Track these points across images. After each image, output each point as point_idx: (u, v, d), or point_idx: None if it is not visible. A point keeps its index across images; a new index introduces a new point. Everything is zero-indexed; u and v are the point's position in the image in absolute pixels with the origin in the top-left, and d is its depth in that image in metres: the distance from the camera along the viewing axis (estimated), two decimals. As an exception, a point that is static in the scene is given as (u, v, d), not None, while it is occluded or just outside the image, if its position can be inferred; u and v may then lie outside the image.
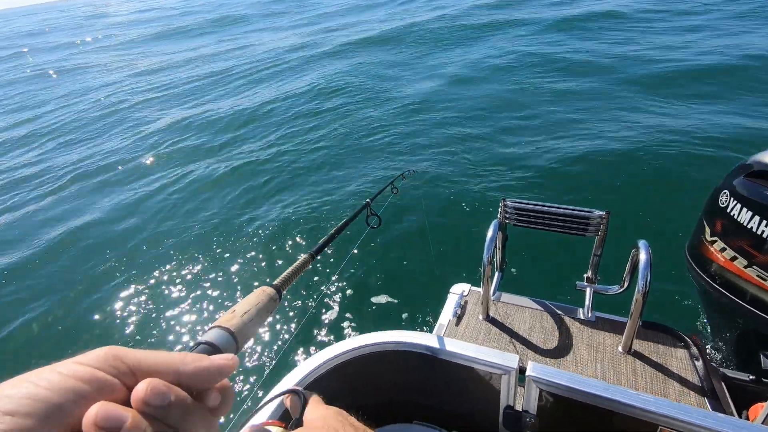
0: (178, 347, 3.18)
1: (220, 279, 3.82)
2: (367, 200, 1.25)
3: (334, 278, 3.55)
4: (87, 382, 0.30)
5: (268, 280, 0.74)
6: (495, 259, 1.77)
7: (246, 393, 2.77)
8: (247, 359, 3.01)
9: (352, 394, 1.26)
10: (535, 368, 1.05)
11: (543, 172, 4.59)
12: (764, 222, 1.49)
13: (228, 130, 7.23)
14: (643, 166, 4.45)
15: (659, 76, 6.64)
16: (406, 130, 6.19)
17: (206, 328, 0.48)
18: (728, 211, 1.64)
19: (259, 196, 5.08)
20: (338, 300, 3.40)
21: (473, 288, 1.76)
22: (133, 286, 3.87)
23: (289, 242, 4.19)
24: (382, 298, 3.39)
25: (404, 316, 3.19)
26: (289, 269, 0.69)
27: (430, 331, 1.47)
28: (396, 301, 3.35)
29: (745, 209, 1.57)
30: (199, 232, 4.53)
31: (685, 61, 7.11)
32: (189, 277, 3.90)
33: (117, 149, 7.10)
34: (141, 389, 0.30)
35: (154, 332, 3.38)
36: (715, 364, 1.42)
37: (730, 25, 8.88)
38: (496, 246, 1.58)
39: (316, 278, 3.66)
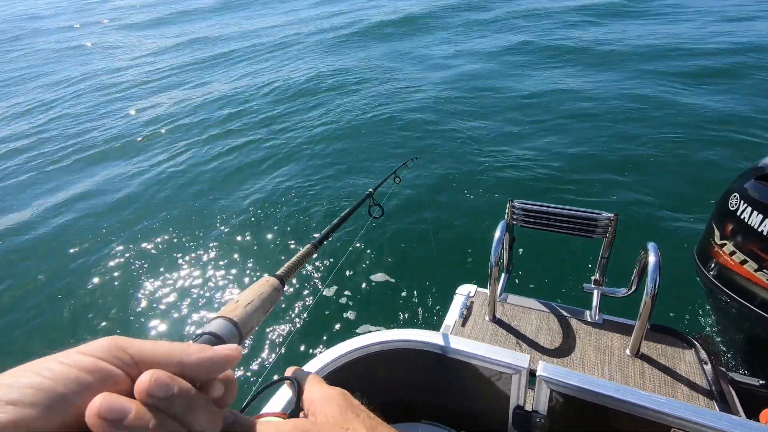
0: (181, 338, 3.19)
1: (222, 269, 3.82)
2: (370, 190, 1.24)
3: (336, 269, 3.55)
4: (90, 373, 0.29)
5: (271, 270, 0.73)
6: (502, 260, 1.76)
7: (249, 384, 2.78)
8: (250, 350, 3.01)
9: (360, 392, 1.26)
10: (546, 368, 1.05)
11: (552, 171, 4.56)
12: (775, 225, 1.47)
13: (231, 117, 7.12)
14: (652, 167, 4.42)
15: (679, 74, 6.48)
16: (413, 117, 6.15)
17: (209, 318, 0.48)
18: (738, 214, 1.63)
19: (263, 184, 5.06)
20: (340, 291, 3.39)
21: (479, 289, 1.76)
22: (134, 276, 3.88)
23: (292, 232, 4.19)
24: (385, 289, 3.39)
25: (406, 312, 3.17)
26: (293, 259, 0.69)
27: (435, 329, 1.47)
28: (399, 293, 3.34)
29: (755, 212, 1.56)
30: (201, 221, 4.52)
31: (703, 56, 6.96)
32: (191, 267, 3.90)
33: (117, 135, 7.02)
34: (144, 380, 0.30)
35: (157, 322, 3.38)
36: (723, 369, 1.41)
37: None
38: (503, 247, 1.57)
39: (319, 267, 3.66)
